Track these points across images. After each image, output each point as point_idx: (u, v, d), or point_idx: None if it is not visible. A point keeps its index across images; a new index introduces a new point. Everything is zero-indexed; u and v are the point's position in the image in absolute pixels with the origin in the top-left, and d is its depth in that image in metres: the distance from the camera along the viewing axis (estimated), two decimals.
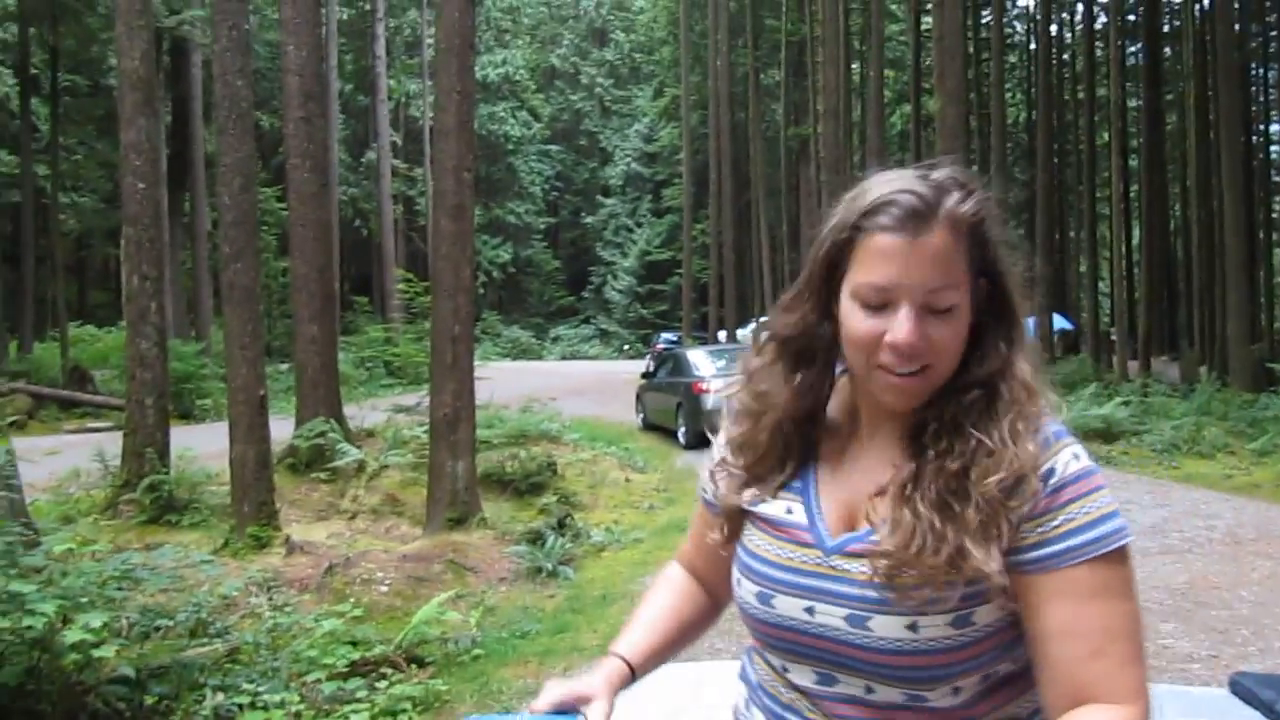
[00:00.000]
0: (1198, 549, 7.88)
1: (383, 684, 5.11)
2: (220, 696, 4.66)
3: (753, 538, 1.30)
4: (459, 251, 8.95)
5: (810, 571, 1.22)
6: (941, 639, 1.15)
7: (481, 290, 47.29)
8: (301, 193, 11.30)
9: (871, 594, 1.17)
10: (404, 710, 4.82)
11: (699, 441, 13.95)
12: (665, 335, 38.31)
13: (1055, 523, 1.13)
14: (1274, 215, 31.33)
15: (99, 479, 9.66)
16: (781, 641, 1.25)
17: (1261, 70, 32.12)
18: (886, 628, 1.16)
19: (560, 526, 8.76)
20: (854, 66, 36.72)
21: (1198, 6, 27.63)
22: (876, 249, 1.15)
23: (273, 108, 34.06)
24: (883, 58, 29.68)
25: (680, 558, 1.53)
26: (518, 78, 58.33)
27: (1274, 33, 30.07)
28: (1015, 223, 36.71)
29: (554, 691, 1.26)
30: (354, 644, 5.48)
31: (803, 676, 1.24)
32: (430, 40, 36.52)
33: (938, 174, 1.20)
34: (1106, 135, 33.98)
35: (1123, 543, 1.14)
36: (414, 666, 5.49)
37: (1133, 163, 32.01)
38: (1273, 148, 32.61)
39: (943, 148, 18.88)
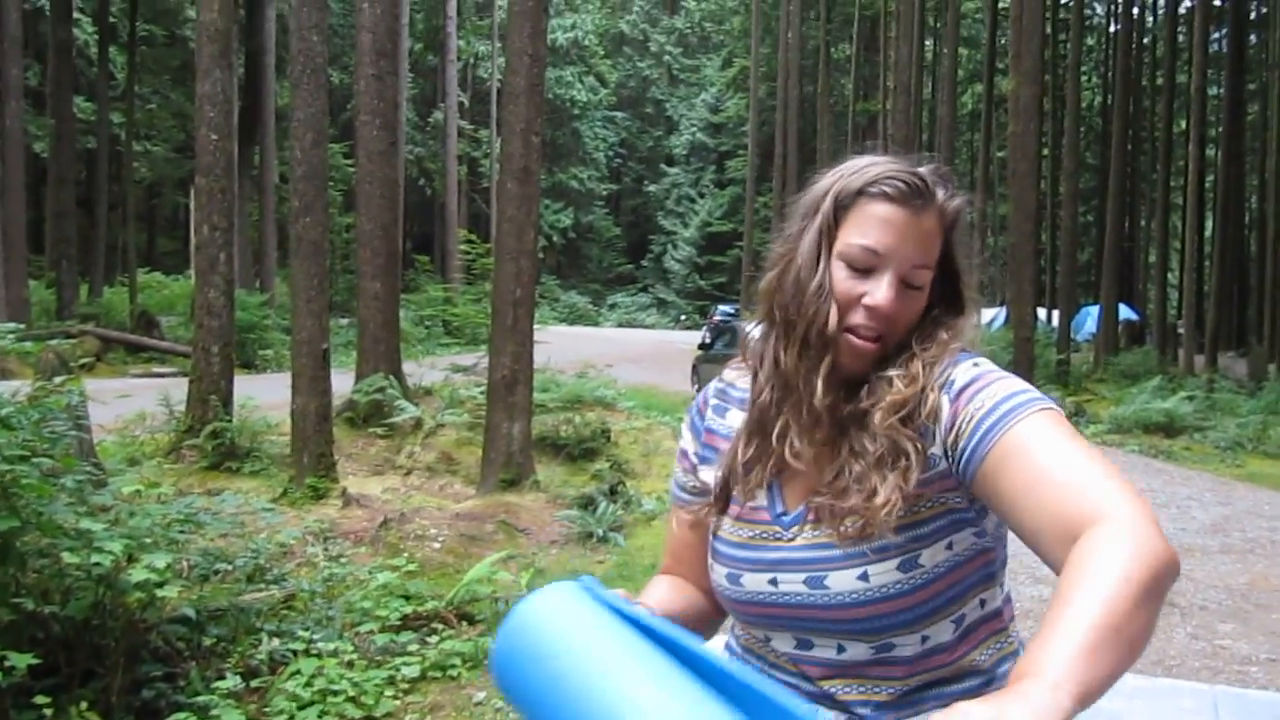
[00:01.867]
0: (1260, 549, 7.73)
1: (434, 638, 5.18)
2: (276, 641, 4.75)
3: (722, 524, 1.36)
4: (524, 215, 8.96)
5: (769, 546, 1.30)
6: (892, 584, 1.21)
7: (541, 255, 47.36)
8: (370, 150, 11.37)
9: (824, 554, 1.25)
10: (454, 665, 4.88)
11: None
12: (723, 307, 38.07)
13: (968, 416, 1.17)
14: None
15: (163, 423, 9.85)
16: (756, 616, 1.33)
17: None
18: (841, 582, 1.23)
19: (612, 493, 8.79)
20: (928, 43, 36.13)
21: None
22: (876, 214, 1.22)
23: (342, 64, 34.32)
24: (958, 35, 29.20)
25: (664, 574, 1.49)
26: (586, 42, 58.05)
27: None
28: (1084, 209, 36.17)
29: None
30: (407, 598, 5.55)
31: (783, 643, 1.32)
32: (502, 1, 36.49)
33: (925, 169, 1.27)
34: (1184, 123, 33.13)
35: (1044, 406, 1.15)
36: (464, 623, 5.55)
37: (1209, 152, 31.20)
38: None
39: (1015, 128, 18.59)
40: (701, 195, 58.54)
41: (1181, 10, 31.00)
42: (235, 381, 9.68)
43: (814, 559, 1.25)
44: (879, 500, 1.17)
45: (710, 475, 1.39)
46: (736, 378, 1.42)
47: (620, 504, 8.59)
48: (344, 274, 26.65)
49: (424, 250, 41.31)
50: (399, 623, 5.24)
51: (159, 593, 4.17)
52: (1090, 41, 38.54)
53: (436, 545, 7.01)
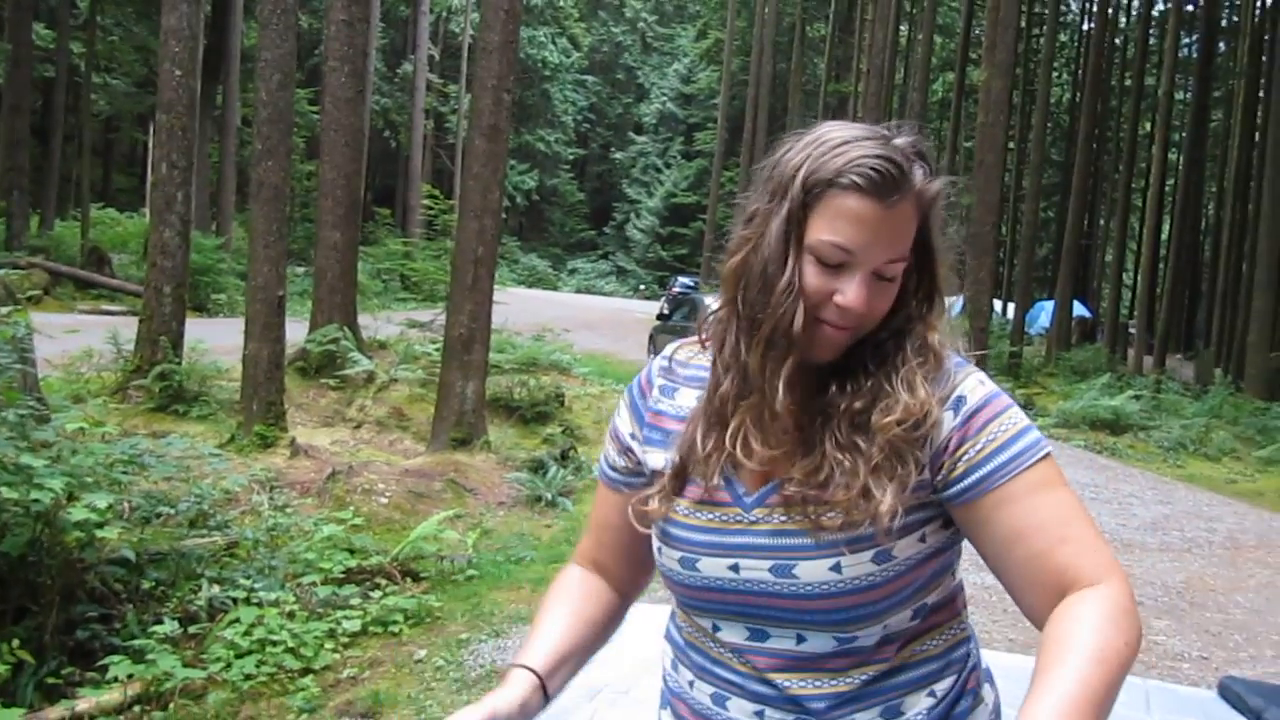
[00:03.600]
0: (1197, 549, 7.88)
1: (376, 594, 5.15)
2: (216, 589, 4.70)
3: (677, 507, 1.27)
4: (490, 173, 8.88)
5: (731, 530, 1.23)
6: (865, 576, 1.17)
7: (504, 215, 47.17)
8: (336, 97, 11.18)
9: (792, 541, 1.19)
10: (395, 621, 4.86)
11: None
12: (683, 279, 37.97)
13: (978, 446, 1.17)
14: None
15: (111, 361, 9.69)
16: (709, 603, 1.26)
17: None
18: (811, 572, 1.18)
19: (563, 458, 8.77)
20: (903, 28, 36.14)
21: (1258, 2, 27.04)
22: (848, 208, 1.14)
23: (312, 8, 33.73)
24: (934, 22, 29.24)
25: (580, 558, 1.46)
26: (561, 4, 57.48)
27: None
28: (1046, 204, 36.48)
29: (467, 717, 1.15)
30: (351, 551, 5.51)
31: (734, 634, 1.25)
32: None
33: (901, 141, 1.18)
34: (1149, 125, 33.47)
35: (1045, 452, 1.18)
36: (408, 580, 5.53)
37: (1171, 156, 31.57)
38: None
39: (984, 119, 18.65)
40: (668, 165, 58.37)
41: (1155, 13, 31.22)
42: (186, 324, 9.53)
43: (782, 546, 1.20)
44: (884, 508, 1.13)
45: (659, 458, 1.30)
46: (689, 357, 1.34)
47: (570, 469, 8.57)
48: (303, 222, 26.29)
49: (385, 203, 40.89)
50: (342, 576, 5.21)
51: (98, 533, 4.10)
52: (1063, 38, 38.71)
53: (384, 500, 6.96)
